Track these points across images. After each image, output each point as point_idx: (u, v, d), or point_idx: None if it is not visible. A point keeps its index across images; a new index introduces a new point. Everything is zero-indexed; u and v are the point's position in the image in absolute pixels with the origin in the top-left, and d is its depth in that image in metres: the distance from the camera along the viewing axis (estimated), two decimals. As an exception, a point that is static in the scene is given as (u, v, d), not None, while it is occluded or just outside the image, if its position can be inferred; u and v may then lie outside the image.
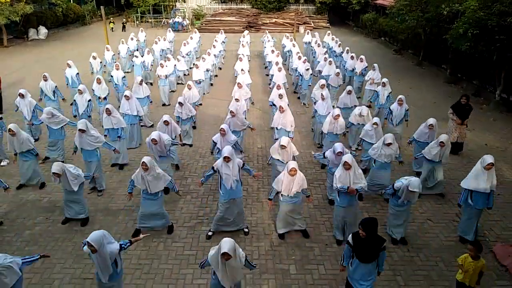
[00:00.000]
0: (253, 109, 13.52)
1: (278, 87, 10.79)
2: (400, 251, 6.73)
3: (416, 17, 18.40)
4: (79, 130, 7.74)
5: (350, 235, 4.99)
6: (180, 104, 9.99)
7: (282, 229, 7.03)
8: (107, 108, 9.05)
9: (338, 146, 7.25)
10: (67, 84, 13.27)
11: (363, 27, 31.73)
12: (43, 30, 28.18)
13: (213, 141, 8.15)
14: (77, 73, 13.19)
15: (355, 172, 6.45)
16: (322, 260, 6.49)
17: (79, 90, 10.47)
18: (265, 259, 6.50)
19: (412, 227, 7.30)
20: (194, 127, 11.36)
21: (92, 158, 8.08)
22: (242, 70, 13.67)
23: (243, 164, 6.72)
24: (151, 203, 6.72)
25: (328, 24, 34.70)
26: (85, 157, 8.14)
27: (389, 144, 7.59)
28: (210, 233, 7.03)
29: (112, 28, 31.73)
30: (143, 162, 6.36)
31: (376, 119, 8.76)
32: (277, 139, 8.65)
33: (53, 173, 6.55)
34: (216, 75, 17.75)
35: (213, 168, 6.68)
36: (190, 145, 10.66)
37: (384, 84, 11.30)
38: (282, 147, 7.45)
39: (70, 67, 13.13)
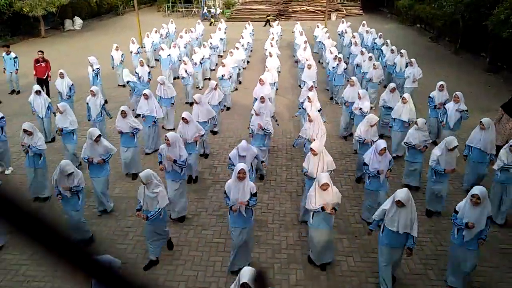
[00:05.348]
0: (280, 98, 13.44)
1: (311, 89, 9.67)
2: (432, 245, 6.58)
3: (454, 3, 17.61)
4: (95, 138, 6.86)
5: None
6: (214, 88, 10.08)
7: (315, 259, 6.08)
8: (122, 111, 8.10)
9: (382, 143, 6.41)
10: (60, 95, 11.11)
11: (397, 14, 30.71)
12: (78, 21, 28.96)
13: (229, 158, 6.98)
14: (72, 84, 11.06)
15: (411, 211, 5.09)
16: (351, 252, 6.45)
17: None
18: (294, 249, 6.53)
19: (443, 221, 7.10)
20: (214, 133, 10.73)
21: (101, 173, 7.13)
22: (270, 54, 13.68)
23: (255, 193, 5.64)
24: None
25: (361, 11, 33.81)
26: (92, 173, 7.14)
27: (452, 149, 6.67)
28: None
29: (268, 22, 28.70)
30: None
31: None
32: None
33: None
34: (244, 68, 16.93)
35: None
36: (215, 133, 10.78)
37: (457, 99, 8.68)
38: (324, 187, 5.51)
39: (62, 77, 10.91)
